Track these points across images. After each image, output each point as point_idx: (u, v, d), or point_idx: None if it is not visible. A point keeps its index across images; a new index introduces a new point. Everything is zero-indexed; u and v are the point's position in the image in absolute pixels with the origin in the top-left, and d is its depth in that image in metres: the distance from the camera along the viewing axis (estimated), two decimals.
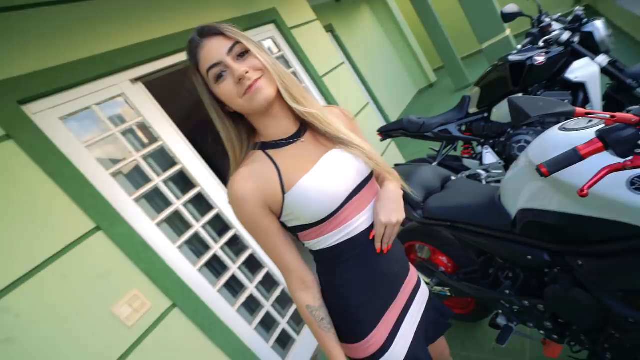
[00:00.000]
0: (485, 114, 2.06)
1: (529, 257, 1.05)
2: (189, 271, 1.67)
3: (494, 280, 1.29)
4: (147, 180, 1.70)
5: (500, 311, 1.27)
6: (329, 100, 2.90)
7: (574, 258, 0.92)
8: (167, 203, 1.74)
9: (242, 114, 0.73)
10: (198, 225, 1.80)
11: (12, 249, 1.25)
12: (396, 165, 1.81)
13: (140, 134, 1.79)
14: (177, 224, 1.83)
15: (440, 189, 1.42)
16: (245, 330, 1.80)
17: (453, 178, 1.47)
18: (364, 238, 0.79)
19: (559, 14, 2.02)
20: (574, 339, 1.06)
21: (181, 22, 2.01)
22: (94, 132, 1.60)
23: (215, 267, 1.95)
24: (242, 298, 1.87)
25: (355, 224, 0.77)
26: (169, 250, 1.63)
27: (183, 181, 1.89)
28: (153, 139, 1.79)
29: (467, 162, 2.14)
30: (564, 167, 0.69)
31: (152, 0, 1.94)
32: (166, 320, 1.53)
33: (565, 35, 1.77)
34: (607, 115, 0.64)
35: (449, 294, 1.50)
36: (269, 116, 0.74)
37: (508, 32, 4.63)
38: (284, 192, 0.72)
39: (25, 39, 1.45)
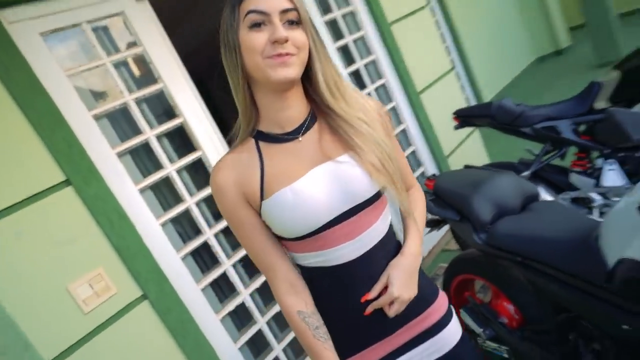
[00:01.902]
0: None
1: (626, 327, 1.06)
2: (170, 257, 1.84)
3: (573, 350, 1.31)
4: (137, 131, 1.86)
5: None
6: (395, 59, 2.92)
7: None
8: (158, 166, 1.91)
9: (252, 77, 0.84)
10: (191, 201, 1.95)
11: None
12: (466, 166, 1.83)
13: (133, 68, 1.95)
14: (165, 194, 2.00)
15: (519, 210, 1.44)
16: (227, 347, 1.95)
17: (544, 198, 1.47)
18: (349, 269, 0.88)
19: None
20: None
21: None
22: (80, 59, 1.78)
23: (204, 258, 2.11)
24: (231, 306, 2.02)
25: (336, 253, 0.87)
26: (150, 225, 1.80)
27: (181, 140, 2.04)
28: (151, 78, 1.94)
29: (576, 178, 2.09)
30: None
31: None
32: (131, 314, 1.71)
33: None
34: None
35: (506, 355, 1.53)
36: (277, 98, 0.85)
37: None
38: (262, 199, 0.86)
39: None
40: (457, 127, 2.42)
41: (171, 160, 1.94)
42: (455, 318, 1.01)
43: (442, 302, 1.00)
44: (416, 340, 0.95)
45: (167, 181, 1.94)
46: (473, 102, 5.67)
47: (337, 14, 2.71)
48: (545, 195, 1.51)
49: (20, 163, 1.54)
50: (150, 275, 1.75)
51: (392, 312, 0.87)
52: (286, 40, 0.76)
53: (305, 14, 0.81)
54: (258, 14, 0.76)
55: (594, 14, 5.28)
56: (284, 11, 0.77)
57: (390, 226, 0.97)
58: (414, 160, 3.12)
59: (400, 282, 0.87)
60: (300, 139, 0.88)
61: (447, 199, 1.57)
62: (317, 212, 0.83)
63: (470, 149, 3.41)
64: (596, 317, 1.16)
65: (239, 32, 0.80)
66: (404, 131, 3.06)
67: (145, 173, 1.91)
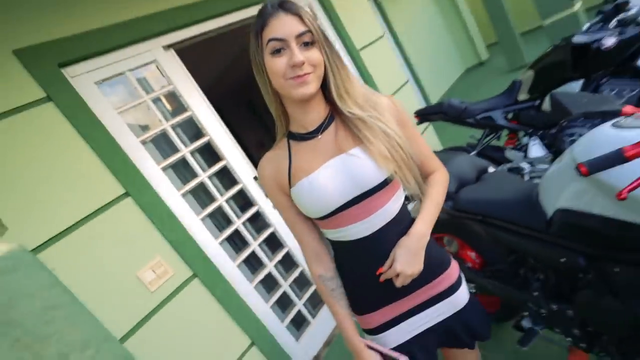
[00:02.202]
0: (537, 102, 2.01)
1: (563, 259, 1.07)
2: (210, 244, 1.81)
3: (523, 281, 1.32)
4: (175, 150, 1.83)
5: (527, 313, 1.30)
6: (364, 76, 2.90)
7: (611, 264, 0.94)
8: (193, 174, 1.88)
9: (279, 92, 0.81)
10: (222, 199, 1.92)
11: (50, 207, 1.42)
12: None
13: (166, 103, 1.92)
14: (201, 196, 1.97)
15: (475, 180, 1.44)
16: (261, 307, 1.94)
17: (491, 170, 1.47)
18: (363, 244, 0.84)
19: None
20: (603, 348, 1.08)
21: None
22: (126, 98, 1.74)
23: (236, 242, 2.09)
24: (261, 275, 2.01)
25: (350, 230, 0.83)
26: (193, 221, 1.77)
27: (209, 153, 2.01)
28: (182, 108, 1.90)
29: (510, 153, 2.11)
30: (605, 167, 0.71)
31: None
32: (186, 289, 1.69)
33: None
34: None
35: (474, 290, 1.54)
36: (300, 106, 0.82)
37: (577, 6, 4.33)
38: (290, 186, 0.85)
39: (65, 2, 1.57)
40: (418, 124, 2.42)
41: (203, 170, 1.91)
42: (464, 284, 0.95)
43: (453, 270, 0.93)
44: (429, 302, 0.89)
45: (201, 186, 1.91)
46: (424, 104, 5.69)
47: None
48: (491, 168, 1.51)
49: (89, 183, 1.52)
50: (198, 259, 1.73)
51: (397, 283, 0.82)
52: (303, 63, 0.73)
53: (319, 33, 0.75)
54: (277, 42, 0.73)
55: (503, 33, 5.41)
56: (300, 35, 0.73)
57: (404, 205, 0.89)
58: None
59: (403, 259, 0.81)
60: (319, 136, 0.84)
61: None
62: (328, 198, 0.80)
63: (427, 139, 3.41)
64: (540, 255, 1.16)
65: (264, 57, 0.76)
66: None
67: (184, 181, 1.87)
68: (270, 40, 0.73)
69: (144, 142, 1.71)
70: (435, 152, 1.77)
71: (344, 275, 0.91)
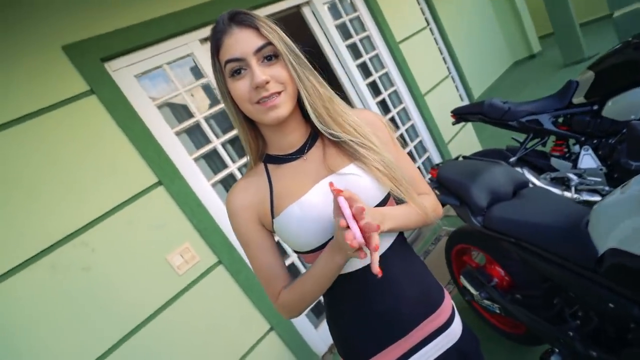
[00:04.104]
0: (595, 107, 1.64)
1: (612, 305, 0.83)
2: None
3: (557, 315, 1.08)
4: (208, 141, 1.75)
5: (557, 350, 1.07)
6: (402, 70, 2.62)
7: None
8: (224, 165, 1.79)
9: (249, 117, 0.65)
10: None
11: (91, 192, 1.41)
12: (463, 157, 1.57)
13: (203, 94, 1.83)
14: (230, 186, 1.89)
15: (511, 195, 1.19)
16: None
17: (533, 185, 1.21)
18: (360, 277, 0.67)
19: None
20: None
21: None
22: (163, 91, 1.67)
23: None
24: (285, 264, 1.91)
25: (349, 261, 0.65)
26: (220, 210, 1.70)
27: (239, 144, 1.91)
28: (216, 100, 1.81)
29: (556, 162, 1.77)
30: None
31: None
32: (212, 275, 1.64)
33: None
34: None
35: (497, 311, 1.32)
36: (277, 130, 0.65)
37: None
38: (273, 217, 0.66)
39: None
40: (454, 123, 2.13)
41: (233, 161, 1.81)
42: (457, 313, 0.80)
43: (448, 300, 0.78)
44: (430, 337, 0.73)
45: (231, 176, 1.83)
46: (466, 100, 5.16)
47: (356, 38, 2.43)
48: (530, 177, 1.25)
49: (125, 171, 1.48)
50: (223, 246, 1.67)
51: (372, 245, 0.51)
52: (267, 82, 0.56)
53: (281, 44, 0.58)
54: (235, 62, 0.57)
55: (560, 23, 4.56)
56: (258, 50, 0.57)
57: (401, 233, 0.73)
58: (421, 148, 2.84)
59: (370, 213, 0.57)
60: (305, 157, 0.67)
61: (448, 187, 1.34)
62: (324, 224, 0.63)
63: (465, 137, 3.07)
64: (584, 294, 0.92)
65: (225, 81, 0.61)
66: (412, 126, 2.77)
67: (216, 170, 1.80)
68: (227, 62, 0.58)
69: (177, 133, 1.64)
70: (469, 158, 1.50)
71: (343, 317, 0.72)
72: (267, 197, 0.67)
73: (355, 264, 0.66)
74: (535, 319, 1.12)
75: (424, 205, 0.68)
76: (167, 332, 1.51)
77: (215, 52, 0.60)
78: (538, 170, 1.81)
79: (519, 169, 1.77)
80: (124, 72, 1.52)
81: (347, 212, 0.52)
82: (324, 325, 2.03)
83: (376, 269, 0.50)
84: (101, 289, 1.40)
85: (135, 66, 1.55)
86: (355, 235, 0.50)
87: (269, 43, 0.57)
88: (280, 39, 0.59)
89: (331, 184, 0.56)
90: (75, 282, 1.35)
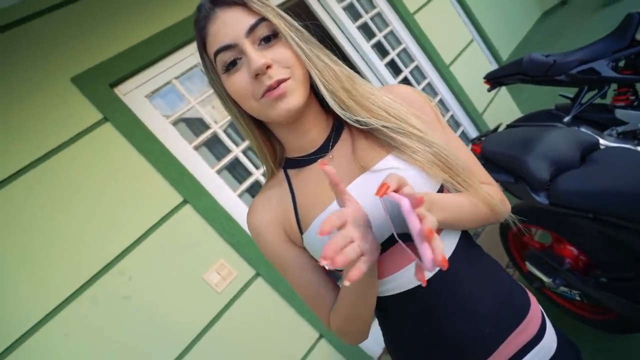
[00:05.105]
0: None
1: None
2: None
3: None
4: (227, 150, 1.68)
5: None
6: (422, 42, 2.40)
7: None
8: (248, 173, 1.72)
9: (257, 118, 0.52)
10: None
11: (120, 221, 1.38)
12: (508, 126, 1.36)
13: (216, 103, 1.76)
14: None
15: (579, 162, 0.99)
16: None
17: (603, 146, 1.00)
18: (424, 293, 0.52)
19: None
20: None
21: None
22: (176, 105, 1.62)
23: None
24: None
25: (400, 279, 0.51)
26: None
27: None
28: None
29: (622, 113, 1.48)
30: None
31: None
32: (251, 288, 1.58)
33: None
34: None
35: (578, 298, 1.12)
36: (291, 128, 0.53)
37: None
38: (301, 232, 0.53)
39: (107, 23, 1.46)
40: (489, 90, 1.88)
41: (257, 167, 1.73)
42: (547, 318, 0.61)
43: (535, 305, 0.60)
44: (518, 355, 0.56)
45: (257, 183, 1.74)
46: (494, 64, 4.74)
47: (366, 17, 2.25)
48: (604, 142, 1.04)
49: (150, 195, 1.44)
50: (259, 258, 1.59)
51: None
52: (269, 67, 0.44)
53: (279, 20, 0.46)
54: (225, 51, 0.45)
55: None
56: (251, 29, 0.45)
57: (467, 233, 0.58)
58: (453, 123, 2.60)
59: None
60: (330, 155, 0.54)
61: (497, 162, 1.15)
62: None
63: (500, 104, 2.78)
64: None
65: (221, 81, 0.49)
66: (440, 101, 2.55)
67: (240, 180, 1.73)
68: (216, 53, 0.46)
69: (196, 147, 1.58)
70: (515, 123, 1.28)
71: (407, 344, 0.58)
72: (290, 209, 0.55)
73: (406, 283, 0.52)
74: (628, 304, 0.92)
75: (491, 197, 0.52)
76: (214, 351, 1.46)
77: (202, 47, 0.49)
78: (600, 127, 1.54)
79: (582, 129, 1.52)
80: (134, 94, 1.48)
81: (415, 225, 0.34)
82: (376, 326, 1.91)
83: (438, 266, 0.34)
84: (144, 316, 1.38)
85: (144, 86, 1.51)
86: (424, 255, 0.33)
87: (263, 19, 0.46)
88: (277, 14, 0.47)
89: (321, 164, 0.40)
90: (118, 312, 1.33)
